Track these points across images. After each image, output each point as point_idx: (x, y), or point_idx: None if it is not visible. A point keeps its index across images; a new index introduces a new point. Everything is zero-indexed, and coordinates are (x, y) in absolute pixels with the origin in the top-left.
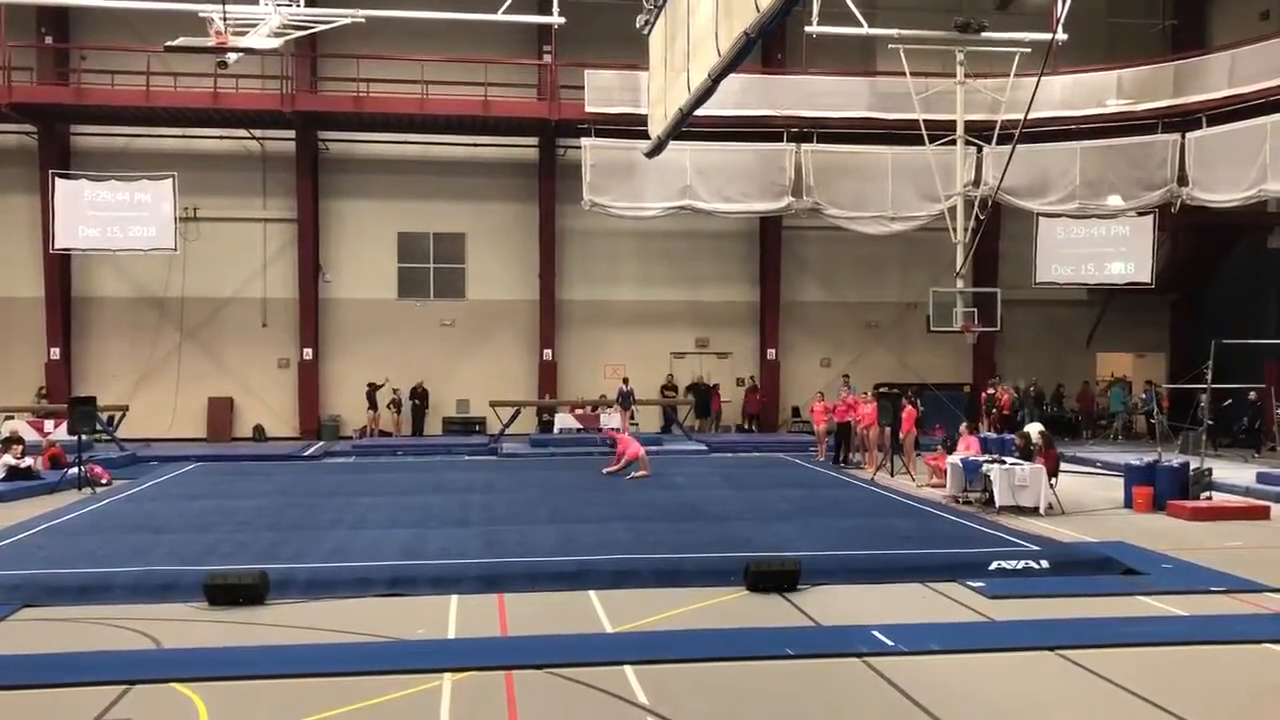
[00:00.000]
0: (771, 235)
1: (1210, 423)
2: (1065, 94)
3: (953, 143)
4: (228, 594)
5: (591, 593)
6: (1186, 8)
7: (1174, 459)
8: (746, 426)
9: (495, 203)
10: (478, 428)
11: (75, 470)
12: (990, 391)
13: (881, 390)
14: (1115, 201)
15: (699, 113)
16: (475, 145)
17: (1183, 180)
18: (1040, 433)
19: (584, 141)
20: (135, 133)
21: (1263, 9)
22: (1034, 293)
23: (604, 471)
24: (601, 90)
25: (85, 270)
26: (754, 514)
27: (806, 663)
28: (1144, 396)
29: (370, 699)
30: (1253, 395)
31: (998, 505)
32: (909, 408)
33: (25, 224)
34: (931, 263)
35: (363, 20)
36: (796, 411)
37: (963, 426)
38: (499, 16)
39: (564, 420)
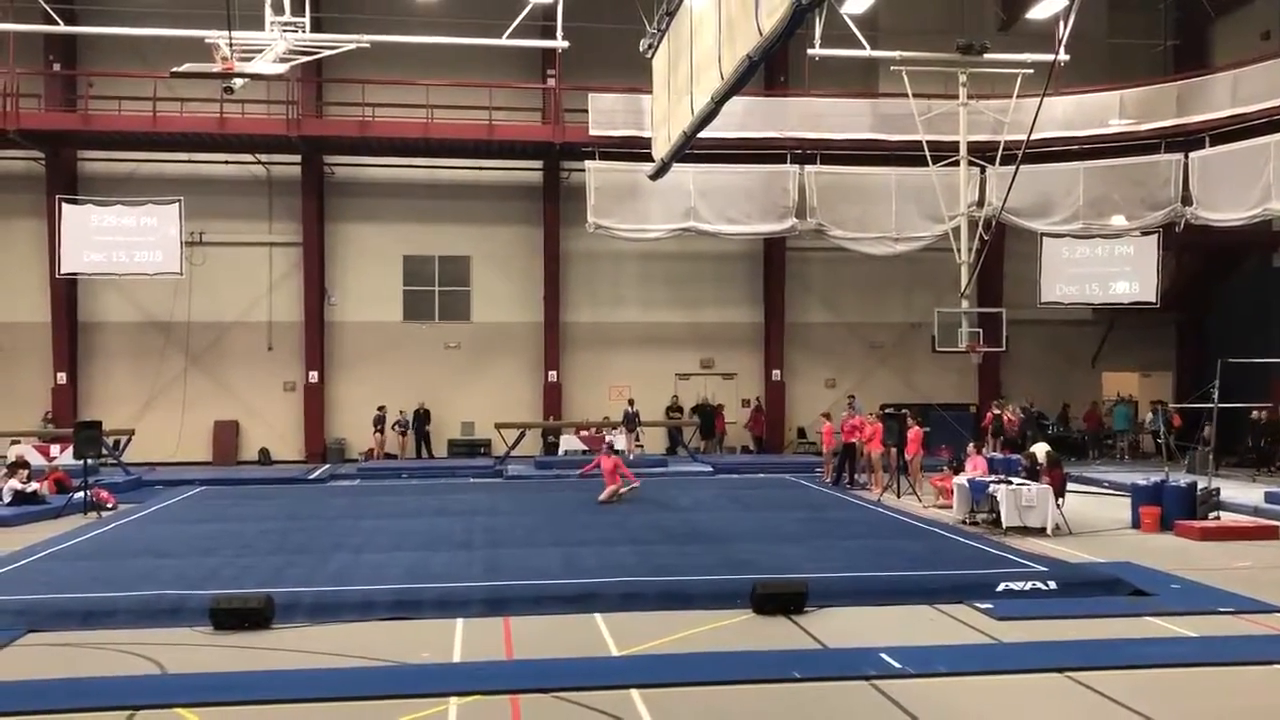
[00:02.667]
0: (775, 257)
1: (1201, 440)
2: (1068, 114)
3: (956, 164)
4: (233, 618)
5: (597, 615)
6: (1188, 28)
7: (1181, 479)
8: (751, 448)
9: (500, 226)
10: (483, 450)
11: (81, 495)
12: (995, 411)
13: (887, 411)
14: (1119, 221)
15: (702, 135)
16: (480, 169)
17: (1186, 200)
18: (1047, 453)
19: (588, 164)
20: (142, 158)
21: (1263, 29)
22: (1039, 313)
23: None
24: (605, 113)
25: (91, 295)
26: (760, 535)
27: (814, 685)
28: (1150, 416)
29: None
30: (1255, 414)
31: (1005, 526)
32: (914, 428)
33: (32, 249)
34: (936, 283)
35: (368, 45)
36: (802, 432)
37: (970, 447)
38: (503, 41)
39: (569, 442)
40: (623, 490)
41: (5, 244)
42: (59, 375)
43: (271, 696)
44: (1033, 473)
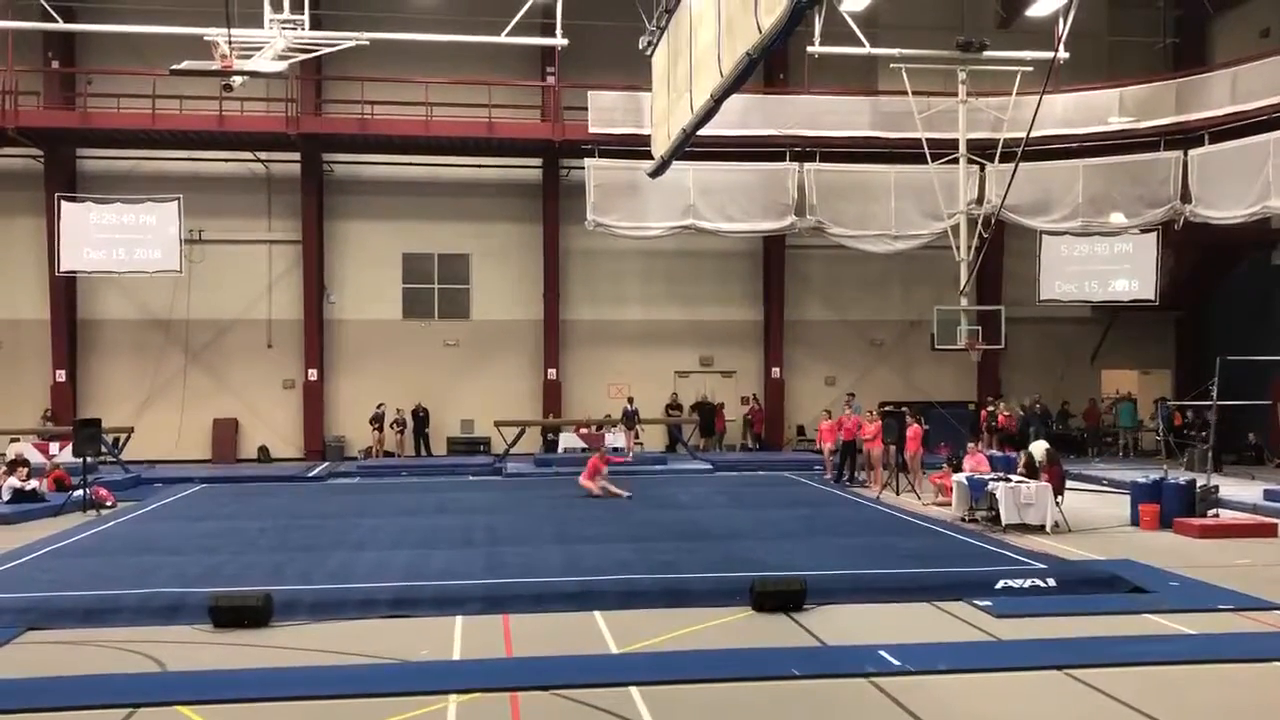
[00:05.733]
0: (775, 254)
1: (1195, 436)
2: (1067, 112)
3: (955, 161)
4: (232, 616)
5: (597, 613)
6: (1187, 26)
7: (1180, 476)
8: (751, 445)
9: (499, 223)
10: (482, 448)
11: (80, 492)
12: (990, 409)
13: (886, 409)
14: (1118, 219)
15: (702, 133)
16: (479, 166)
17: (1186, 197)
18: (1046, 450)
19: (587, 162)
20: (141, 156)
21: (1263, 27)
22: (1038, 310)
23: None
24: (605, 111)
25: (91, 292)
26: (759, 533)
27: (813, 683)
28: (1152, 413)
29: None
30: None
31: (1004, 523)
32: (914, 426)
33: (31, 247)
34: (935, 281)
35: (367, 43)
36: (801, 430)
37: (969, 444)
38: (503, 39)
39: (568, 440)
40: (606, 484)
41: (4, 242)
42: (58, 373)
43: (271, 694)
44: (1031, 470)
